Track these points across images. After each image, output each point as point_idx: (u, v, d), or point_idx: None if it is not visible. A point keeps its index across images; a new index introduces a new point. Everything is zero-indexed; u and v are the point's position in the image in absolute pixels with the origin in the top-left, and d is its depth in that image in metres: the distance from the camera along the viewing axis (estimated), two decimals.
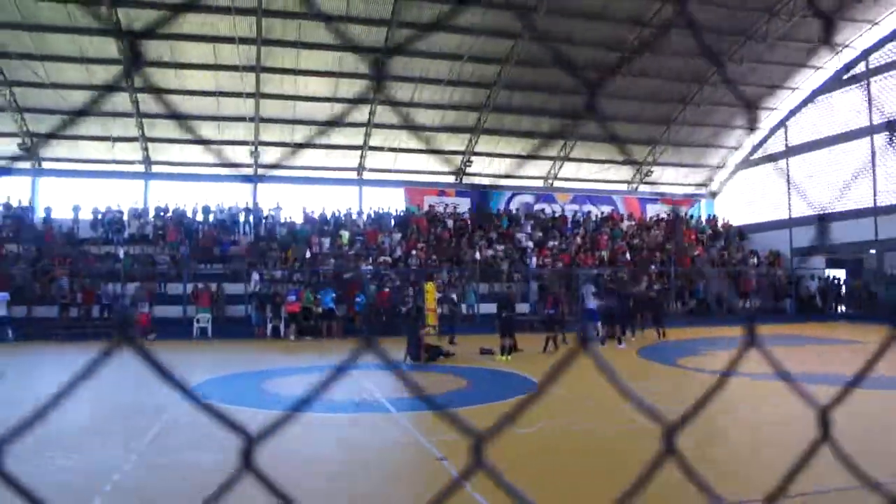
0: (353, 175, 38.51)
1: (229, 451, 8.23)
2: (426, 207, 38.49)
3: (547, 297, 22.65)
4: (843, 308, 35.78)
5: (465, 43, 32.42)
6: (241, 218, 34.44)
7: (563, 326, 21.99)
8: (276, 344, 24.70)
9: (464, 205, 39.36)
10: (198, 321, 26.03)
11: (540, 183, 42.09)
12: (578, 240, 37.91)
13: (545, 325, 21.47)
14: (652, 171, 42.61)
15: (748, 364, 13.33)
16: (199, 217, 33.98)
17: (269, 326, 26.85)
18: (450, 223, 37.20)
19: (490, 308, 27.25)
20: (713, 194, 45.77)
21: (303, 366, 17.63)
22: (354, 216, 36.89)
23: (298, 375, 15.92)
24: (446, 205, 38.65)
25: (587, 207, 41.88)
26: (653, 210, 43.53)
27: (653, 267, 35.22)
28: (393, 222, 37.13)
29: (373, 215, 37.19)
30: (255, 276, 28.82)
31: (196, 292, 27.58)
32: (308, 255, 31.47)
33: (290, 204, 36.03)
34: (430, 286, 28.60)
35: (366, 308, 28.31)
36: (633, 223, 41.67)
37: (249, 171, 36.13)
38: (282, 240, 32.96)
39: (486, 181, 39.92)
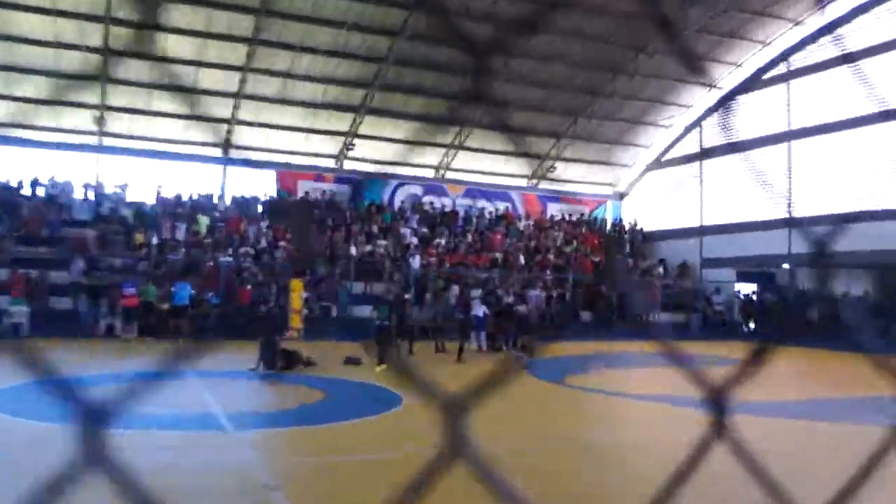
0: (218, 152, 37.84)
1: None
2: (300, 193, 38.15)
3: (458, 299, 24.07)
4: (754, 326, 37.28)
5: (352, 9, 32.26)
6: (79, 195, 33.21)
7: (442, 332, 22.41)
8: (110, 344, 24.05)
9: (342, 193, 39.22)
10: (10, 315, 24.16)
11: (430, 173, 42.38)
12: (469, 238, 38.30)
13: (460, 329, 22.73)
14: (555, 167, 43.41)
15: (640, 384, 15.69)
16: (26, 191, 32.40)
17: (103, 323, 25.88)
18: (325, 212, 36.91)
19: (366, 311, 27.32)
20: (621, 196, 46.98)
21: (131, 370, 17.26)
22: (216, 200, 36.22)
23: (121, 383, 15.24)
24: (323, 192, 38.37)
25: (481, 203, 42.38)
26: (554, 209, 44.40)
27: (548, 273, 35.77)
28: (260, 209, 36.62)
29: (237, 200, 36.58)
30: (79, 263, 27.48)
31: (10, 279, 26.21)
32: (156, 241, 30.61)
33: (139, 181, 35.09)
34: (296, 284, 28.35)
35: (221, 306, 27.77)
36: (531, 222, 42.31)
37: (93, 141, 34.93)
38: (126, 222, 31.93)
39: (369, 168, 39.87)
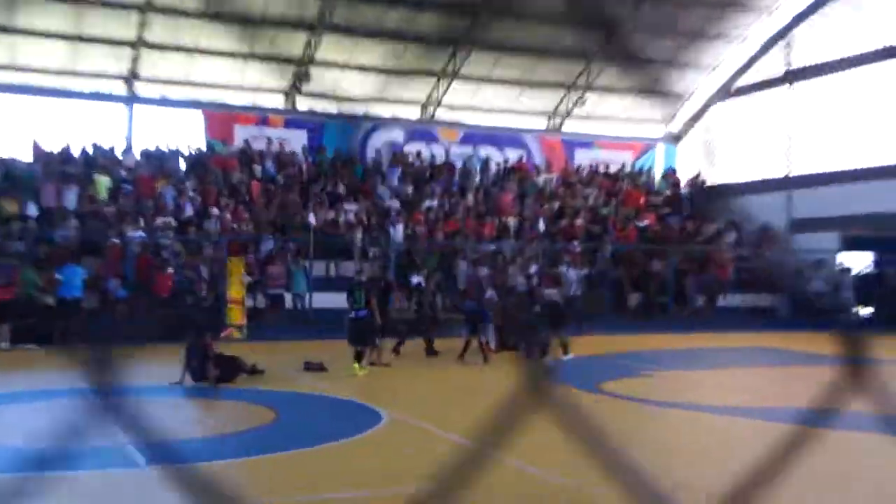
0: (121, 87, 37.51)
1: None
2: (237, 143, 37.94)
3: (468, 285, 24.75)
4: (872, 311, 36.76)
5: None
6: None
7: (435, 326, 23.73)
8: None
9: (296, 141, 39.01)
10: None
11: (415, 112, 42.16)
12: (469, 199, 38.17)
13: (468, 322, 23.13)
14: (585, 100, 43.02)
15: (698, 391, 18.23)
16: None
17: None
18: (273, 168, 36.72)
19: (331, 299, 27.31)
20: (676, 138, 46.73)
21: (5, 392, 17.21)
22: (120, 153, 35.91)
23: None
24: (269, 140, 38.21)
25: (485, 151, 42.19)
26: (584, 158, 44.13)
27: (577, 244, 35.73)
28: (183, 165, 36.40)
29: (150, 153, 36.24)
30: None
31: None
32: (35, 211, 30.40)
33: (6, 129, 34.65)
34: (235, 265, 28.29)
35: (130, 299, 27.55)
36: (553, 176, 42.08)
37: None
38: None
39: (332, 107, 39.62)
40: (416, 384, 19.52)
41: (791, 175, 40.98)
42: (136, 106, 37.85)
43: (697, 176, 44.96)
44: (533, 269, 30.76)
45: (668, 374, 21.08)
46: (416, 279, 26.58)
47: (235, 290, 27.84)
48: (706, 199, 43.83)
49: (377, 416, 14.34)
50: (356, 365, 19.72)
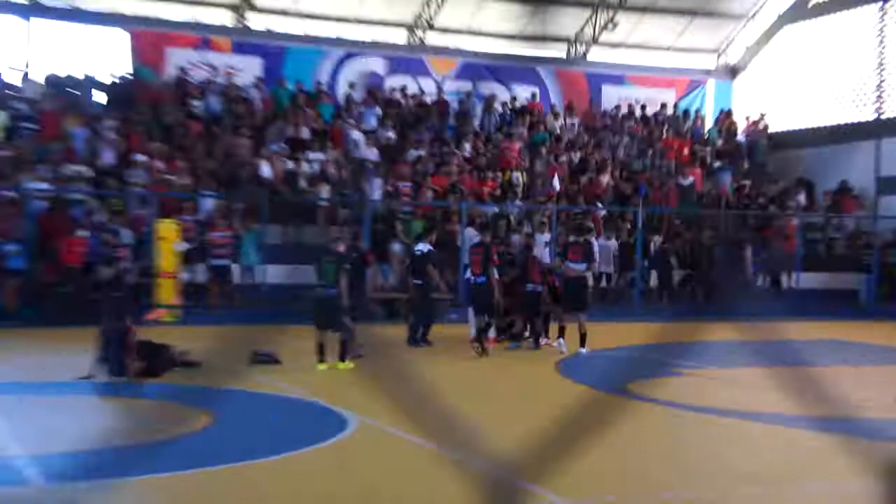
0: None
1: None
2: (170, 70, 37.81)
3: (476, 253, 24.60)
4: None
5: None
6: None
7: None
8: None
9: (248, 71, 38.82)
10: None
11: (400, 36, 42.27)
12: (467, 147, 37.97)
13: (478, 304, 23.82)
14: (615, 23, 43.03)
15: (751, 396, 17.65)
16: None
17: None
18: (217, 105, 36.40)
19: (289, 273, 27.99)
20: (733, 71, 46.69)
21: None
22: (19, 82, 35.69)
23: None
24: (213, 68, 38.12)
25: (488, 87, 41.93)
26: (614, 97, 44.00)
27: (602, 206, 35.71)
28: (101, 98, 36.12)
29: (56, 81, 35.80)
30: None
31: None
32: None
33: None
34: (167, 228, 28.25)
35: (27, 270, 27.59)
36: (575, 121, 41.97)
37: None
38: None
39: (293, 26, 39.82)
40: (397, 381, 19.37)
41: (882, 118, 40.73)
42: (37, 19, 37.55)
43: (759, 120, 44.65)
44: (546, 237, 30.64)
45: (707, 372, 21.30)
46: (421, 246, 26.25)
47: (167, 260, 27.70)
48: (770, 151, 43.70)
49: (343, 422, 14.32)
50: (320, 361, 19.78)
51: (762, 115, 44.63)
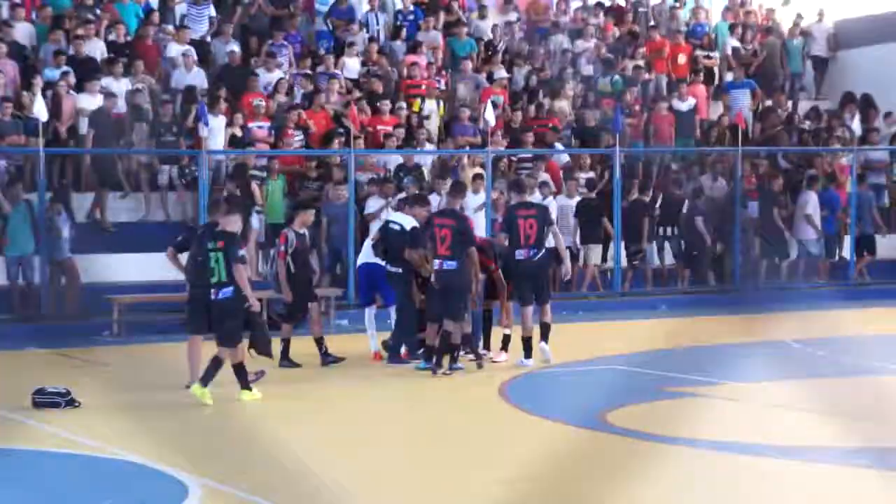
0: None
1: None
2: None
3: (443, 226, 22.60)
4: None
5: None
6: None
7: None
8: None
9: None
10: None
11: None
12: (351, 66, 34.04)
13: (448, 303, 21.50)
14: None
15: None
16: None
17: None
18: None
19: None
20: None
21: None
22: None
23: None
24: None
25: None
26: None
27: (561, 152, 32.49)
28: None
29: None
30: None
31: None
32: None
33: None
34: None
35: None
36: (515, 18, 38.22)
37: None
38: None
39: None
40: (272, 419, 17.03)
41: None
42: None
43: (798, 22, 40.26)
44: (479, 199, 28.87)
45: (719, 387, 19.38)
46: (399, 218, 23.05)
47: None
48: (805, 56, 39.47)
49: (177, 489, 11.82)
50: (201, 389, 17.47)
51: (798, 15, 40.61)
